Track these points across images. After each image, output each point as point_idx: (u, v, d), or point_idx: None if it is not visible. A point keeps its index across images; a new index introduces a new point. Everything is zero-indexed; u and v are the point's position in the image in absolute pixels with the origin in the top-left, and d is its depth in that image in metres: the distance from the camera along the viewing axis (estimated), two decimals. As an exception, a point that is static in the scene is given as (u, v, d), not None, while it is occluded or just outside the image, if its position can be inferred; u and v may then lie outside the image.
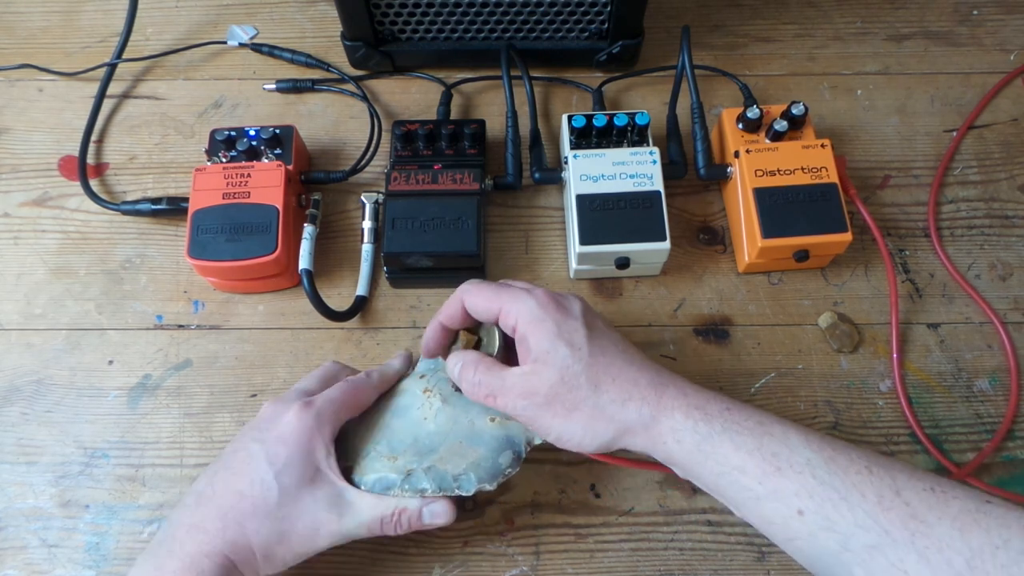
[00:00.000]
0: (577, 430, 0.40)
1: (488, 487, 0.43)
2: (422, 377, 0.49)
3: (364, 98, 0.64)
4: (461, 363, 0.44)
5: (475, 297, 0.43)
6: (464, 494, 0.43)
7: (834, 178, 0.55)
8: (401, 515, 0.42)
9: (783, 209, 0.54)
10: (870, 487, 0.35)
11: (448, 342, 0.47)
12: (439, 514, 0.43)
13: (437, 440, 0.45)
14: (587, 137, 0.58)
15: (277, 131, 0.57)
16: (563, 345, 0.40)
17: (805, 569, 0.48)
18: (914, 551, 0.33)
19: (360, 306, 0.56)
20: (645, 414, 0.39)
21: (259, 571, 0.41)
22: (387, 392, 0.49)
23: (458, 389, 0.45)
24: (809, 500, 0.36)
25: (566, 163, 0.57)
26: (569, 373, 0.39)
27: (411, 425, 0.46)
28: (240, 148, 0.56)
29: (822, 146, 0.56)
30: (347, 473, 0.44)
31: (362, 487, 0.43)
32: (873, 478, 0.35)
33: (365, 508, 0.42)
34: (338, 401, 0.45)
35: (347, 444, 0.46)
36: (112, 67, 0.65)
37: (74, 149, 0.62)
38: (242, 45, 0.68)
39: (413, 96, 0.66)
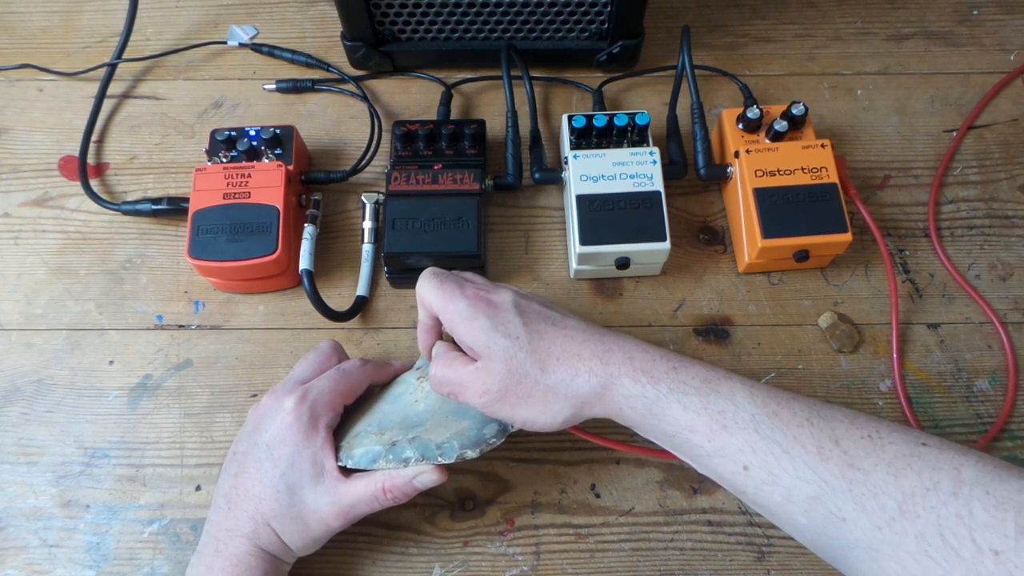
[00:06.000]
0: (537, 415, 0.40)
1: (470, 454, 0.43)
2: (418, 369, 0.50)
3: (364, 98, 0.64)
4: (434, 356, 0.45)
5: (422, 293, 0.44)
6: (446, 461, 0.43)
7: (834, 178, 0.55)
8: (391, 487, 0.43)
9: (783, 209, 0.54)
10: (810, 439, 0.36)
11: (439, 336, 0.48)
12: (427, 478, 0.44)
13: (425, 416, 0.46)
14: (587, 137, 0.58)
15: (277, 131, 0.58)
16: (501, 337, 0.40)
17: (805, 569, 0.49)
18: (851, 498, 0.34)
19: (360, 306, 0.56)
20: (595, 385, 0.39)
21: (296, 555, 0.45)
22: (385, 384, 0.50)
23: None
24: (753, 455, 0.37)
25: (566, 163, 0.57)
26: (514, 363, 0.40)
27: (402, 408, 0.47)
28: (240, 148, 0.56)
29: (822, 146, 0.56)
30: (337, 452, 0.45)
31: (349, 462, 0.44)
32: (814, 430, 0.36)
33: (357, 493, 0.43)
34: (330, 390, 0.46)
35: (340, 428, 0.47)
36: (112, 67, 0.65)
37: (74, 149, 0.62)
38: (242, 45, 0.68)
39: (413, 96, 0.66)
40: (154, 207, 0.58)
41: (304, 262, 0.55)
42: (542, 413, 0.40)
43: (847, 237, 0.54)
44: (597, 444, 0.49)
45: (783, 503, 0.36)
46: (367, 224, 0.58)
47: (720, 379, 0.39)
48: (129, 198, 0.60)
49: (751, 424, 0.37)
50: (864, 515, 0.34)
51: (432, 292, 0.43)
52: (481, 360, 0.41)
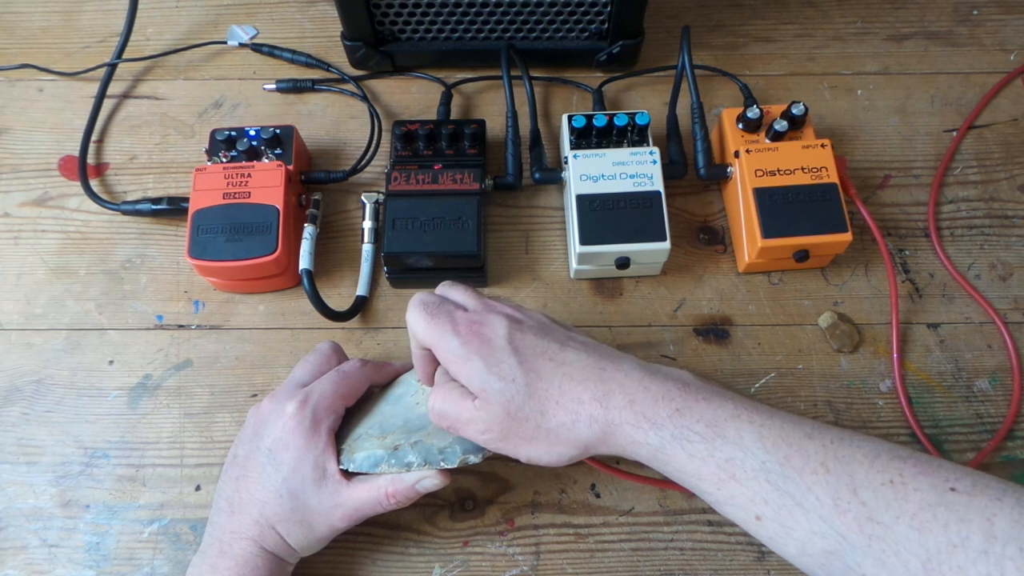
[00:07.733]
0: (542, 454, 0.39)
1: (473, 459, 0.43)
2: None
3: (364, 98, 0.64)
4: (436, 383, 0.43)
5: (413, 327, 0.42)
6: (448, 466, 0.43)
7: (834, 178, 0.55)
8: (394, 492, 0.43)
9: (783, 209, 0.54)
10: (825, 488, 0.34)
11: (435, 361, 0.44)
12: (429, 483, 0.43)
13: (427, 419, 0.45)
14: (587, 137, 0.58)
15: (277, 131, 0.58)
16: (495, 380, 0.38)
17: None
18: (870, 555, 0.32)
19: (360, 306, 0.56)
20: (596, 431, 0.38)
21: (300, 555, 0.46)
22: (385, 385, 0.50)
23: None
24: (765, 507, 0.35)
25: (566, 163, 0.57)
26: (512, 407, 0.38)
27: (403, 410, 0.47)
28: (240, 148, 0.56)
29: (822, 146, 0.56)
30: (338, 455, 0.45)
31: (351, 466, 0.44)
32: (830, 477, 0.34)
33: (360, 497, 0.43)
34: (331, 393, 0.45)
35: (341, 430, 0.47)
36: (112, 67, 0.65)
37: (74, 149, 0.62)
38: (242, 45, 0.68)
39: (413, 96, 0.66)
40: (154, 207, 0.58)
41: (304, 262, 0.55)
42: (546, 453, 0.39)
43: (847, 237, 0.54)
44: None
45: (799, 555, 0.35)
46: (367, 224, 0.58)
47: (727, 420, 0.37)
48: (129, 198, 0.60)
49: (761, 473, 0.35)
50: (885, 572, 0.32)
51: (423, 327, 0.41)
52: (478, 400, 0.40)
